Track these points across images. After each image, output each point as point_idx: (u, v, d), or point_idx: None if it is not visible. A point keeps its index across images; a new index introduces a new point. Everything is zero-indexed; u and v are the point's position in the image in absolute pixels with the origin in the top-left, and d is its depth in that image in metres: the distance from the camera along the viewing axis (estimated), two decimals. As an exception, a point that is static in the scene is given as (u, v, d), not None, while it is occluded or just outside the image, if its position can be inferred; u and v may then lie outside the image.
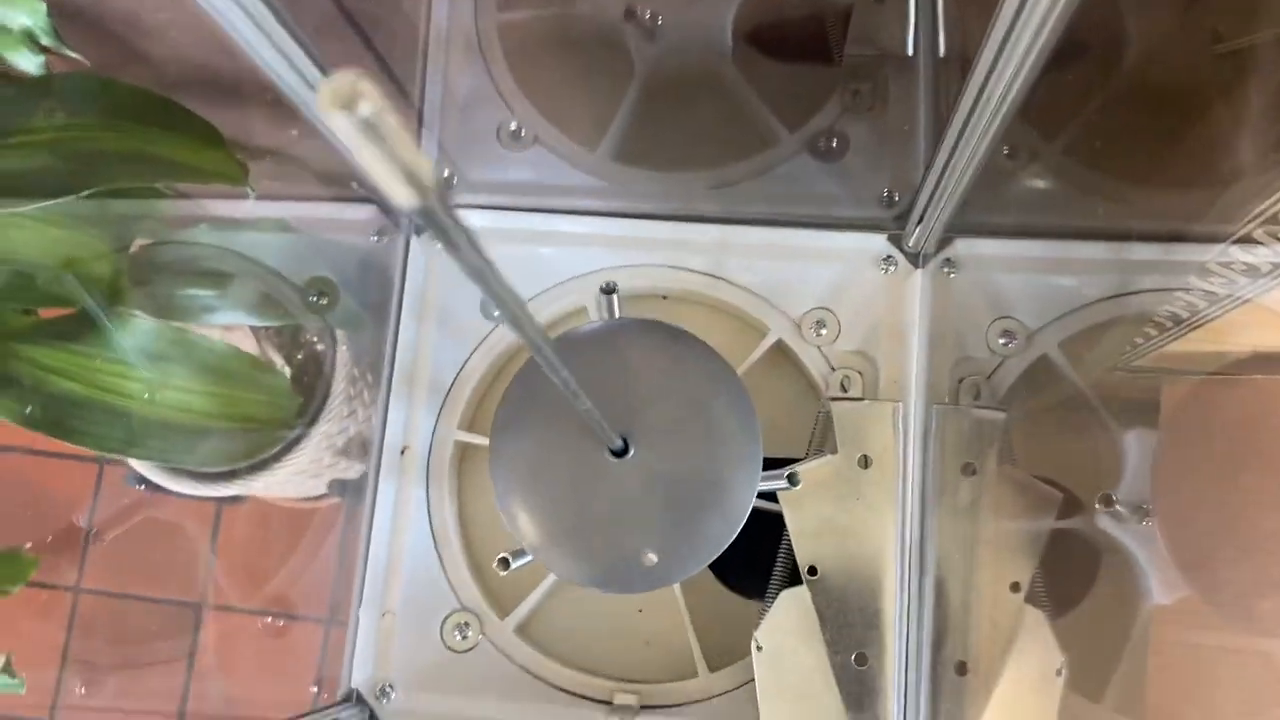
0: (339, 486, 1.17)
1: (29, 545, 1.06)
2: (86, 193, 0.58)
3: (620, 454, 0.48)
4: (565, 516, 0.48)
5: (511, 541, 0.49)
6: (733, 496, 0.48)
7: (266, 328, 0.75)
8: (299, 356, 0.76)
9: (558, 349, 0.35)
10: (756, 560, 0.61)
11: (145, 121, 0.62)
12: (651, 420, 0.49)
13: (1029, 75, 0.46)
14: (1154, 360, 0.56)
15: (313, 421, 0.73)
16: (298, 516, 1.09)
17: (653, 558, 0.48)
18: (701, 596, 0.62)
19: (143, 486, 1.18)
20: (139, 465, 1.01)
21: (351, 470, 0.81)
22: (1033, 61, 0.45)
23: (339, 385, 0.71)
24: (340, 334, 0.73)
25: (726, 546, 0.48)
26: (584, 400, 0.39)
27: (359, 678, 0.60)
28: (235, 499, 1.15)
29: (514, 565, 0.50)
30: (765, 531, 0.60)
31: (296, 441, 0.74)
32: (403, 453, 0.62)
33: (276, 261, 0.65)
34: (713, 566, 0.64)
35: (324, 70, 0.49)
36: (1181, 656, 0.55)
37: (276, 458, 0.75)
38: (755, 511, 0.54)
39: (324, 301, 0.65)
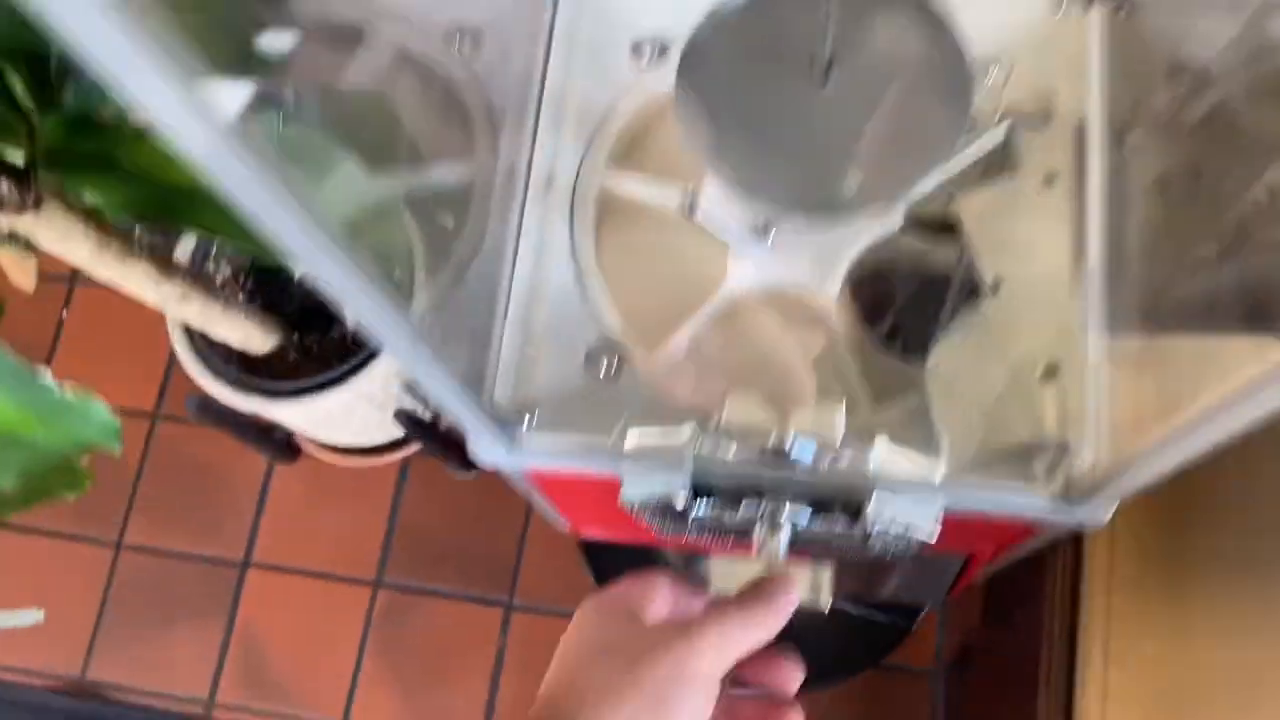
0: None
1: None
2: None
3: (826, 71, 0.45)
4: (760, 136, 0.45)
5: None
6: (941, 123, 0.45)
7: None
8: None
9: None
10: (919, 314, 0.58)
11: None
12: (861, 43, 0.46)
13: None
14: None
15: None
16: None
17: (854, 180, 0.44)
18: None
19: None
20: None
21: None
22: None
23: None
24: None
25: (933, 171, 0.45)
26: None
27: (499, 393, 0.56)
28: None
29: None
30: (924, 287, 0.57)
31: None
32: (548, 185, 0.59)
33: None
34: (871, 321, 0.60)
35: None
36: None
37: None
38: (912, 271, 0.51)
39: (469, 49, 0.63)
